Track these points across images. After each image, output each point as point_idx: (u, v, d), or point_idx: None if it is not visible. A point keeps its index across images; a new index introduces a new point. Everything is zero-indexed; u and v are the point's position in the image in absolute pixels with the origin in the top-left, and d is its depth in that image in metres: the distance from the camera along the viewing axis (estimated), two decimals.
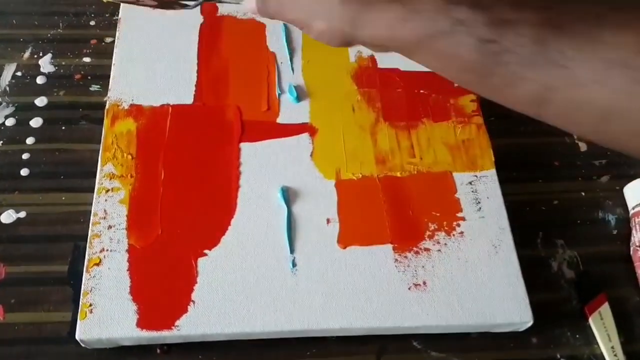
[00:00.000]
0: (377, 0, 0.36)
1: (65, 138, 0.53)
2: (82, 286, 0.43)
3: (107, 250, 0.45)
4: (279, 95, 0.54)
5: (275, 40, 0.57)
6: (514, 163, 0.54)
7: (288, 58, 0.56)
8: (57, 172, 0.51)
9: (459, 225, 0.48)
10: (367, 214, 0.48)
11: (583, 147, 0.57)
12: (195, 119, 0.51)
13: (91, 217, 0.46)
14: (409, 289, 0.45)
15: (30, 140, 0.52)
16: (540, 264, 0.50)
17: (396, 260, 0.46)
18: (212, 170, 0.49)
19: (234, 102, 0.53)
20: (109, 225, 0.46)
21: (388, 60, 0.56)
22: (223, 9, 0.58)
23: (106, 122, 0.50)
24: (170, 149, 0.50)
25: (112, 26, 0.58)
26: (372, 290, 0.45)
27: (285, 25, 0.58)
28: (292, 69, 0.55)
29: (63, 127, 0.53)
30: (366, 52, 0.57)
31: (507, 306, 0.45)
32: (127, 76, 0.53)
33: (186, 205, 0.47)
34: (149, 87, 0.53)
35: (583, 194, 0.54)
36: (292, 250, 0.46)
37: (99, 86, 0.56)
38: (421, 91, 0.55)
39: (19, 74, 0.56)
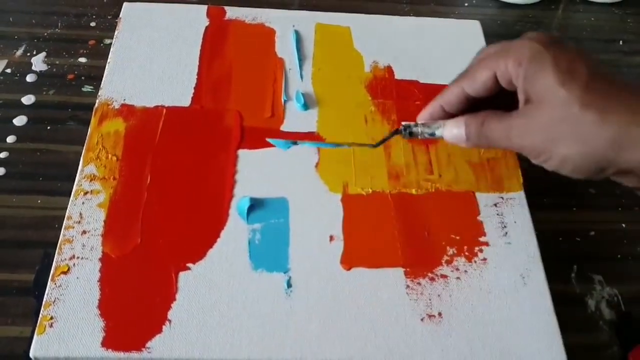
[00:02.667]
0: None
1: (49, 138, 0.49)
2: (45, 296, 0.38)
3: (78, 257, 0.39)
4: (285, 102, 0.49)
5: (285, 46, 0.53)
6: (545, 188, 0.49)
7: (297, 65, 0.51)
8: (36, 173, 0.47)
9: (481, 250, 0.42)
10: (376, 232, 0.42)
11: None
12: (190, 123, 0.47)
13: (64, 221, 0.41)
14: (422, 320, 0.39)
15: (11, 139, 0.48)
16: (575, 302, 0.44)
17: (408, 286, 0.40)
18: (204, 177, 0.44)
19: (235, 106, 0.48)
20: (83, 231, 0.40)
21: (407, 71, 0.52)
22: (231, 13, 0.54)
23: (93, 121, 0.46)
24: (159, 153, 0.45)
25: (113, 28, 0.54)
26: (378, 319, 0.38)
27: (296, 31, 0.54)
28: (301, 76, 0.51)
29: (48, 127, 0.49)
30: (382, 62, 0.52)
31: (536, 347, 0.38)
32: (121, 75, 0.49)
33: (171, 213, 0.42)
34: (144, 88, 0.48)
35: (624, 225, 0.48)
36: (287, 269, 0.40)
37: (92, 87, 0.52)
38: None
39: (8, 71, 0.52)
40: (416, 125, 0.40)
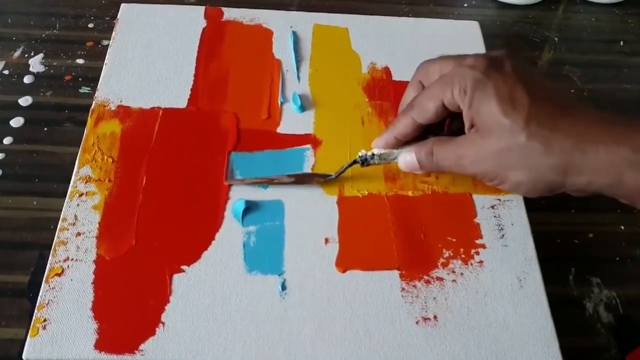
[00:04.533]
0: (595, 142, 0.35)
1: (45, 140, 0.49)
2: (39, 298, 0.38)
3: (72, 259, 0.39)
4: (282, 103, 0.49)
5: (282, 47, 0.53)
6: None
7: (294, 66, 0.51)
8: (32, 174, 0.47)
9: (478, 253, 0.42)
10: (371, 235, 0.42)
11: None
12: (187, 124, 0.47)
13: (59, 223, 0.41)
14: (417, 323, 0.38)
15: (7, 140, 0.48)
16: (573, 304, 0.44)
17: (403, 289, 0.40)
18: (200, 179, 0.44)
19: (232, 108, 0.48)
20: (78, 232, 0.40)
21: (405, 72, 0.51)
22: (229, 14, 0.54)
23: (89, 122, 0.46)
24: (155, 154, 0.45)
25: (111, 29, 0.54)
26: (373, 322, 0.38)
27: (294, 32, 0.53)
28: (298, 78, 0.51)
29: (45, 129, 0.49)
30: (380, 63, 0.52)
31: (532, 350, 0.38)
32: (118, 76, 0.49)
33: (167, 215, 0.42)
34: (141, 89, 0.48)
35: (622, 227, 0.48)
36: (282, 272, 0.40)
37: (89, 89, 0.52)
38: None
39: (5, 72, 0.52)
40: (372, 156, 0.43)
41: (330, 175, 0.44)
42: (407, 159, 0.41)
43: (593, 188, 0.36)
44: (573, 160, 0.35)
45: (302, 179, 0.44)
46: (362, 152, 0.43)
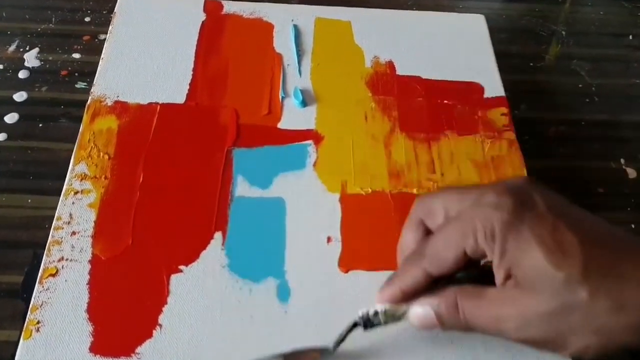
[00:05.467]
0: None
1: (40, 136, 0.47)
2: (32, 300, 0.36)
3: (67, 259, 0.38)
4: (283, 98, 0.47)
5: (283, 41, 0.51)
6: (552, 188, 0.46)
7: (296, 60, 0.50)
8: (27, 171, 0.45)
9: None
10: (375, 233, 0.41)
11: (632, 173, 0.49)
12: (185, 120, 0.45)
13: (54, 221, 0.40)
14: None
15: (1, 137, 0.47)
16: None
17: None
18: (199, 177, 0.42)
19: (231, 103, 0.47)
20: (73, 232, 0.39)
21: (408, 66, 0.50)
22: (228, 8, 0.53)
23: (85, 118, 0.45)
24: (153, 151, 0.43)
25: (108, 23, 0.53)
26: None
27: (295, 25, 0.52)
28: (300, 72, 0.49)
29: (40, 125, 0.48)
30: (383, 57, 0.51)
31: (544, 355, 0.37)
32: (115, 71, 0.48)
33: (164, 213, 0.40)
34: (138, 84, 0.47)
35: (633, 226, 0.47)
36: (283, 271, 0.39)
37: (85, 84, 0.51)
38: (445, 101, 0.48)
39: (0, 67, 0.51)
40: (376, 314, 0.34)
41: (327, 348, 0.35)
42: (420, 313, 0.33)
43: None
44: None
45: (293, 357, 0.36)
46: (362, 311, 0.34)
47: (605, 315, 0.28)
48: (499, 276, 0.32)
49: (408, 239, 0.36)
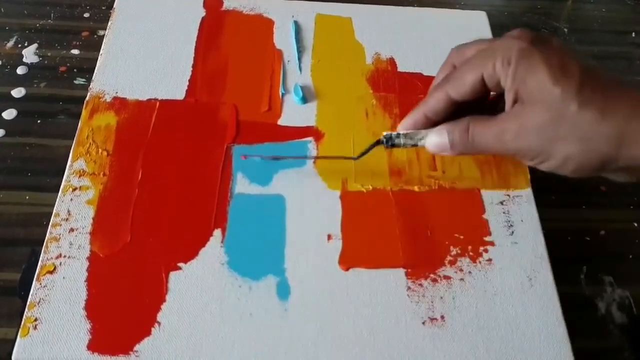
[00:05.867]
0: None
1: (39, 132, 0.47)
2: (30, 297, 0.36)
3: (65, 256, 0.38)
4: (283, 95, 0.47)
5: (284, 37, 0.51)
6: (554, 185, 0.46)
7: (296, 56, 0.50)
8: (24, 168, 0.45)
9: (486, 250, 0.40)
10: (376, 231, 0.40)
11: None
12: (184, 116, 0.45)
13: (52, 218, 0.39)
14: (423, 323, 0.37)
15: None
16: (584, 304, 0.42)
17: (409, 288, 0.38)
18: (198, 173, 0.42)
19: (231, 100, 0.46)
20: (71, 228, 0.39)
21: (410, 63, 0.50)
22: (228, 4, 0.53)
23: (84, 114, 0.44)
24: (152, 148, 0.43)
25: (107, 19, 0.53)
26: (378, 323, 0.37)
27: (295, 22, 0.52)
28: (300, 69, 0.49)
29: (38, 121, 0.47)
30: (384, 54, 0.51)
31: (543, 352, 0.37)
32: (114, 67, 0.47)
33: (163, 210, 0.40)
34: (137, 80, 0.47)
35: (635, 224, 0.46)
36: (283, 269, 0.38)
37: (84, 80, 0.50)
38: None
39: None
40: (398, 135, 0.39)
41: (352, 157, 0.42)
42: (436, 139, 0.37)
43: None
44: (630, 128, 0.32)
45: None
46: (386, 132, 0.39)
47: (588, 125, 0.32)
48: (508, 101, 0.35)
49: (439, 78, 0.40)
